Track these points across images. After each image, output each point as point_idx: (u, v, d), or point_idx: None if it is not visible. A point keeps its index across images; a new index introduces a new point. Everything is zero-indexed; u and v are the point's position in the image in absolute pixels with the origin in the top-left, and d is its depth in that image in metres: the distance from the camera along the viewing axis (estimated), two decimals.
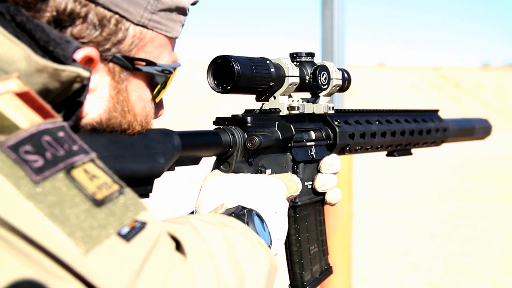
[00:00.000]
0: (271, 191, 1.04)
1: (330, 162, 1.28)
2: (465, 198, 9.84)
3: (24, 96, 0.62)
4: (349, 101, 26.61)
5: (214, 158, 1.15)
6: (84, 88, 0.75)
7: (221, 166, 1.13)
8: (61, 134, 0.63)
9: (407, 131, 1.59)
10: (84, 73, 0.72)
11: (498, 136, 24.11)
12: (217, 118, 1.17)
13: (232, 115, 1.17)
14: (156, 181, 0.95)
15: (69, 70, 0.70)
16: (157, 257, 0.64)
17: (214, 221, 0.84)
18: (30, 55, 0.67)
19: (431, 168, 14.02)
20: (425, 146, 1.74)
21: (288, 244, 1.27)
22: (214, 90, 1.14)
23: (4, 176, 0.56)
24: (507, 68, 42.49)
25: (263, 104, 1.25)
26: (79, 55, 0.76)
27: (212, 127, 1.16)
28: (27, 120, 0.60)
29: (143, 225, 0.64)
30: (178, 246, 0.72)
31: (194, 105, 22.32)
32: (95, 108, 0.83)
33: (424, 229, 7.60)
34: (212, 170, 1.12)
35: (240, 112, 1.22)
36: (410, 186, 11.22)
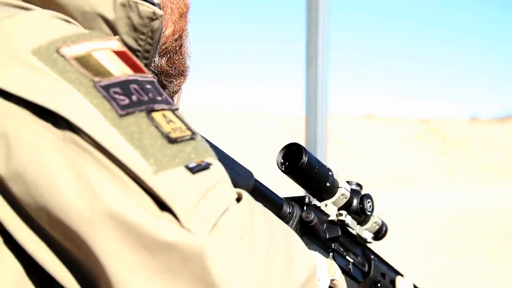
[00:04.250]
0: (318, 261, 1.06)
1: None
2: (452, 255, 9.77)
3: (120, 54, 0.73)
4: (337, 152, 26.67)
5: None
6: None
7: None
8: (148, 86, 0.73)
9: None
10: (159, 11, 0.83)
11: (485, 191, 24.17)
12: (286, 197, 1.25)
13: (294, 196, 1.24)
14: None
15: (146, 5, 0.81)
16: (218, 193, 0.70)
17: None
18: None
19: (418, 223, 13.96)
20: None
21: None
22: (278, 167, 1.23)
23: (95, 107, 0.66)
24: (495, 121, 42.64)
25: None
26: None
27: None
28: (120, 70, 0.71)
29: (208, 165, 0.70)
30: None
31: None
32: None
33: None
34: None
35: None
36: (397, 241, 11.13)
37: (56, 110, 0.65)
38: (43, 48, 0.69)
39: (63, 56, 0.69)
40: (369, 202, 1.33)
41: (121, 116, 0.67)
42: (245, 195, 0.75)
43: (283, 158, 1.22)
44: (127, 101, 0.68)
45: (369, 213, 1.33)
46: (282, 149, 1.23)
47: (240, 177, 1.02)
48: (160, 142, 0.68)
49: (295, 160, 1.20)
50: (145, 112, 0.69)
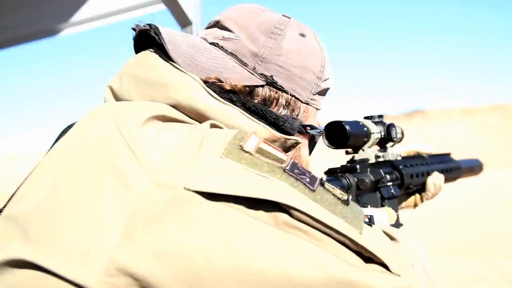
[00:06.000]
0: (383, 219, 1.23)
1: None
2: None
3: (266, 143, 0.83)
4: None
5: None
6: None
7: None
8: (298, 164, 0.83)
9: (440, 170, 1.89)
10: (300, 140, 1.00)
11: None
12: (329, 169, 1.43)
13: (342, 165, 1.45)
14: None
15: (293, 139, 0.98)
16: (387, 237, 0.86)
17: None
18: (270, 130, 0.95)
19: None
20: (448, 182, 2.01)
21: None
22: (329, 147, 1.40)
23: (295, 188, 0.76)
24: (403, 117, 39.60)
25: (353, 156, 1.50)
26: None
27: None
28: (283, 155, 0.81)
29: (371, 216, 0.85)
30: None
31: None
32: None
33: None
34: None
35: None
36: None
37: (268, 197, 0.73)
38: (229, 150, 0.78)
39: (248, 152, 0.78)
40: (393, 129, 1.58)
41: (313, 191, 0.77)
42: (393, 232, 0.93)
43: (327, 138, 1.40)
44: (307, 178, 0.79)
45: (396, 140, 1.59)
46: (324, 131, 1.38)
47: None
48: (341, 207, 0.79)
49: (338, 135, 1.39)
50: (320, 185, 0.80)
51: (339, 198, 0.79)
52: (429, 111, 33.97)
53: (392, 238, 0.90)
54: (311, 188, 0.77)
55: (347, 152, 1.50)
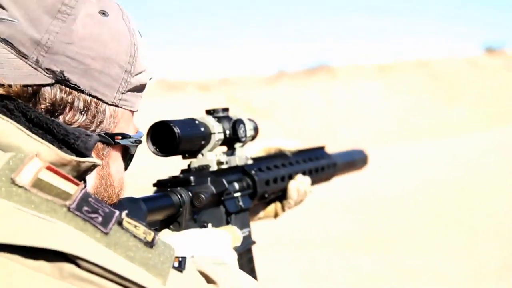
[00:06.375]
0: (223, 244, 1.13)
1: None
2: None
3: (51, 169, 0.71)
4: None
5: None
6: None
7: (171, 226, 1.17)
8: (92, 196, 0.73)
9: (307, 171, 1.67)
10: (98, 162, 0.81)
11: None
12: (158, 181, 1.22)
13: (173, 177, 1.24)
14: None
15: (88, 161, 0.79)
16: (202, 281, 0.80)
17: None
18: (57, 152, 0.76)
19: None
20: (318, 183, 1.80)
21: None
22: (156, 155, 1.19)
23: (82, 232, 0.67)
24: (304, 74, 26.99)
25: (191, 162, 1.31)
26: None
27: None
28: (69, 187, 0.70)
29: (183, 259, 0.77)
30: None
31: None
32: None
33: None
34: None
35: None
36: None
37: (45, 245, 0.64)
38: None
39: (22, 186, 0.68)
40: (241, 126, 1.36)
41: (106, 234, 0.69)
42: (209, 271, 0.85)
43: (153, 143, 1.20)
44: (100, 218, 0.69)
45: (244, 139, 1.38)
46: (148, 135, 1.20)
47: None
48: (144, 250, 0.71)
49: (166, 139, 1.18)
50: (117, 225, 0.71)
51: (141, 240, 0.72)
52: (337, 67, 26.38)
53: (210, 281, 0.83)
54: (103, 230, 0.69)
55: (184, 157, 1.31)
